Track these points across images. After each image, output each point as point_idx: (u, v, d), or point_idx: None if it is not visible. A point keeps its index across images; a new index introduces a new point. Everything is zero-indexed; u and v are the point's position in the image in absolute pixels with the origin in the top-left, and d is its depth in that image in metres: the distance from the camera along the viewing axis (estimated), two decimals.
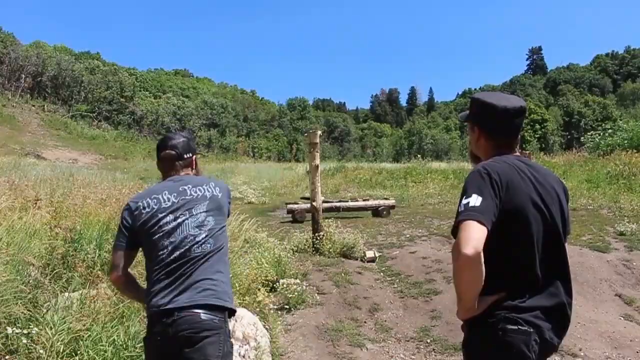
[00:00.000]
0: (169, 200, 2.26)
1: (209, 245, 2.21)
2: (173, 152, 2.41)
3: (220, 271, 2.22)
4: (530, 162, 1.89)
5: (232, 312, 2.26)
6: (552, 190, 1.84)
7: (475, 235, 1.59)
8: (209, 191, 2.32)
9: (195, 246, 2.19)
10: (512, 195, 1.72)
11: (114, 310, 3.37)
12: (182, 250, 2.18)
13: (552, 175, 1.91)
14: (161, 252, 2.19)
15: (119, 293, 3.37)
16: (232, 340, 2.24)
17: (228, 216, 2.43)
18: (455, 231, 1.67)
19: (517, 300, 1.72)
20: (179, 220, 2.23)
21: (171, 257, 2.18)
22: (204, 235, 2.22)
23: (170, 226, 2.22)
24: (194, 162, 2.48)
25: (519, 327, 1.69)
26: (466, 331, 1.84)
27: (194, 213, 2.25)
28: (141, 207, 2.25)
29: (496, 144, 1.89)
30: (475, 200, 1.65)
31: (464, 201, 1.67)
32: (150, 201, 2.26)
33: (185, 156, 2.43)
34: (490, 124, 1.88)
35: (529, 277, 1.75)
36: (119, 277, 2.26)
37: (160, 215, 2.22)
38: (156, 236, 2.21)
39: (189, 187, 2.31)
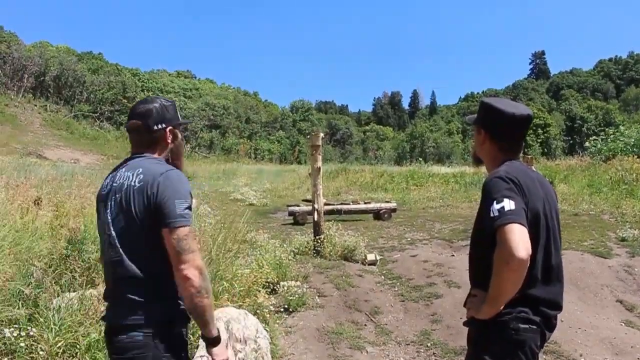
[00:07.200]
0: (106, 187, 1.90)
1: (119, 249, 1.79)
2: (139, 123, 1.88)
3: (137, 277, 1.76)
4: (531, 169, 1.97)
5: (162, 321, 1.76)
6: (552, 195, 1.95)
7: (524, 238, 1.63)
8: (128, 179, 1.81)
9: (111, 249, 1.81)
10: (530, 199, 1.78)
11: None
12: (104, 251, 1.87)
13: (547, 181, 2.00)
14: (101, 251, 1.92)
15: None
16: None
17: (164, 219, 1.72)
18: (483, 237, 1.74)
19: (527, 301, 1.77)
20: (101, 214, 1.87)
21: (105, 259, 1.89)
22: (114, 236, 1.80)
23: (100, 219, 1.89)
24: (168, 136, 1.94)
25: (530, 325, 1.76)
26: (475, 329, 1.87)
27: (109, 206, 1.84)
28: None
29: (500, 148, 1.95)
30: (508, 204, 1.68)
31: (496, 206, 1.69)
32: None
33: (155, 127, 1.89)
34: (497, 128, 1.94)
35: (540, 278, 1.80)
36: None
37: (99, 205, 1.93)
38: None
39: (121, 172, 1.87)
